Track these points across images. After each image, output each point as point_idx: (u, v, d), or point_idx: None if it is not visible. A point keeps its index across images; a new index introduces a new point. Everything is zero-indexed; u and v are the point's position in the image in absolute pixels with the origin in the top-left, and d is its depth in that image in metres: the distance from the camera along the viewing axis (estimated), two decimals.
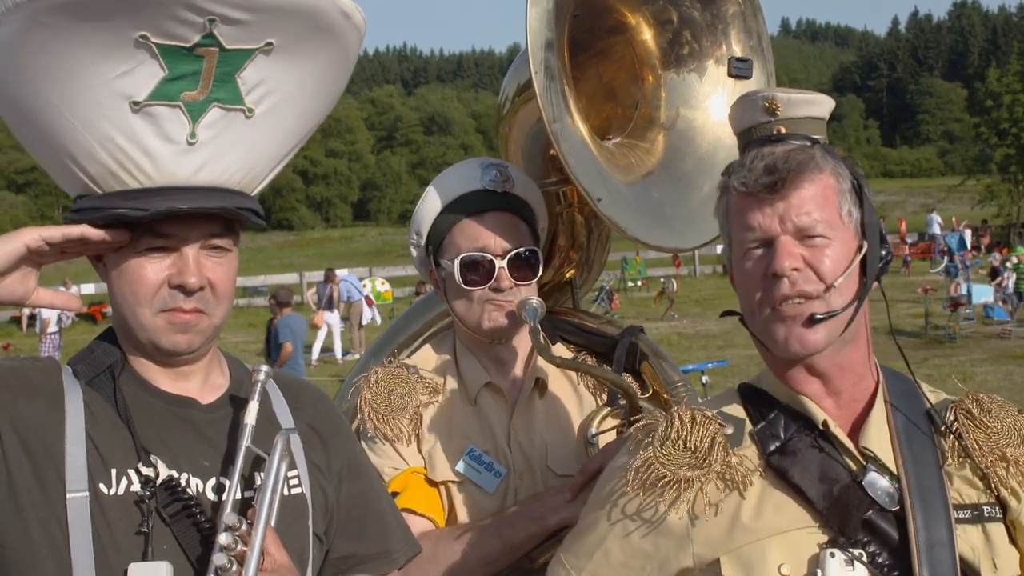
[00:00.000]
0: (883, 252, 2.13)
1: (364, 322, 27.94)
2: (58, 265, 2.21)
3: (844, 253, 2.05)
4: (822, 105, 2.18)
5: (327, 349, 26.13)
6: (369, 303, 29.24)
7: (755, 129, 2.16)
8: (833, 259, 2.03)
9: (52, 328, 25.83)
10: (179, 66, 1.97)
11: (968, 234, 39.32)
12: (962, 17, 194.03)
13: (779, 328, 2.03)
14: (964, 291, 24.70)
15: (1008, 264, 26.74)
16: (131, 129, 2.00)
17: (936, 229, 43.58)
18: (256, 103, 2.09)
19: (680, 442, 2.10)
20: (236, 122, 2.09)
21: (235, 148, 2.11)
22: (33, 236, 2.02)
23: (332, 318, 26.19)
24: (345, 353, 26.30)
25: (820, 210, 2.03)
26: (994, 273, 28.50)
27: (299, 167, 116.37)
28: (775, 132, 2.13)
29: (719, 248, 3.08)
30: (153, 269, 2.09)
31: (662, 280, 33.32)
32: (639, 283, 39.44)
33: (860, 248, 2.08)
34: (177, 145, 2.03)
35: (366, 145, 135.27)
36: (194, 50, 1.97)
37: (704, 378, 13.65)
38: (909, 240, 42.63)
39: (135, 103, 1.98)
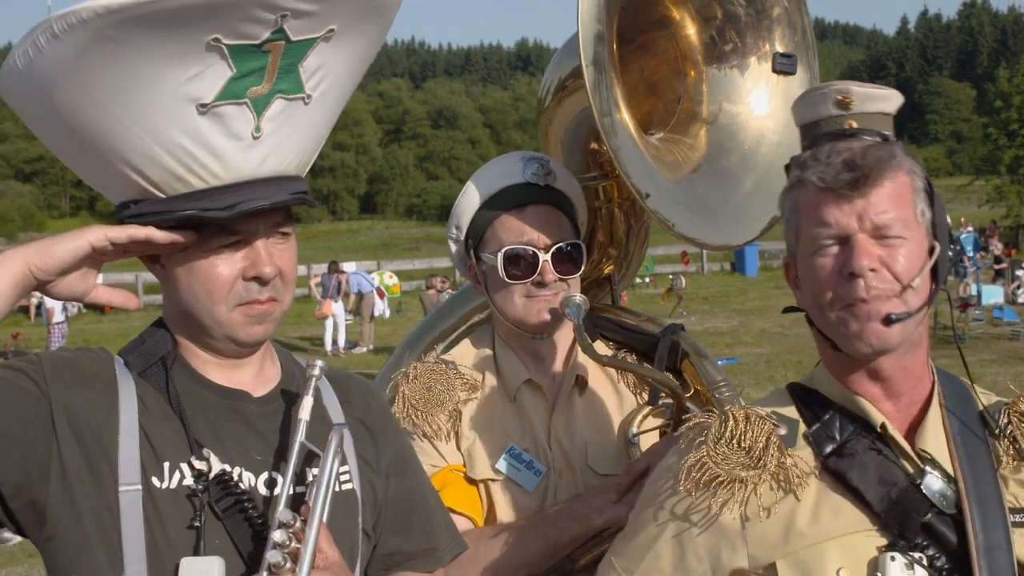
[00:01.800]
0: (951, 253, 2.10)
1: (376, 314, 27.91)
2: None
3: (918, 253, 2.02)
4: (893, 100, 2.14)
5: (335, 342, 26.06)
6: (380, 295, 29.22)
7: (824, 122, 2.11)
8: (908, 259, 1.99)
9: (58, 317, 25.77)
10: (246, 63, 1.94)
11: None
12: (971, 17, 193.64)
13: (852, 323, 1.99)
14: (973, 291, 24.64)
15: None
16: (198, 132, 1.96)
17: None
18: (314, 88, 2.08)
19: (734, 442, 2.07)
20: (297, 110, 2.07)
21: (294, 135, 2.09)
22: (99, 236, 2.00)
23: (337, 309, 26.14)
24: (354, 346, 26.27)
25: (897, 209, 2.00)
26: (997, 260, 28.61)
27: None
28: (846, 126, 2.08)
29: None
30: (225, 265, 2.07)
31: (670, 277, 33.23)
32: (647, 280, 39.35)
33: (932, 249, 2.05)
34: (243, 141, 2.01)
35: (373, 138, 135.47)
36: (262, 46, 1.94)
37: None
38: None
39: (202, 105, 1.94)
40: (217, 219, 2.01)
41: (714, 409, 2.86)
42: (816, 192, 2.02)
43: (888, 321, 1.97)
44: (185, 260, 2.08)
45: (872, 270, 1.97)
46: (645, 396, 2.98)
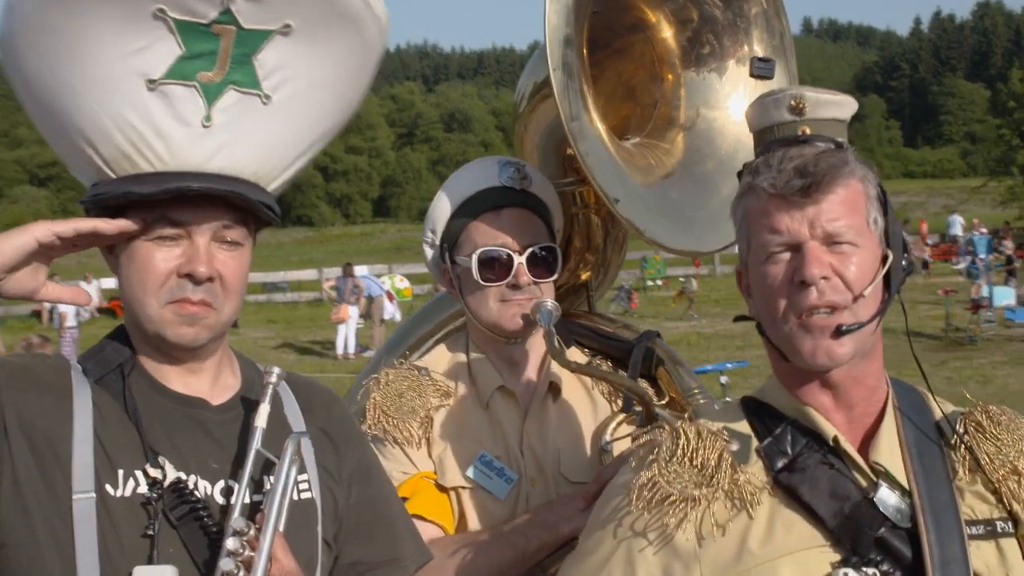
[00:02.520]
0: (904, 263, 2.07)
1: (386, 317, 27.92)
2: (80, 260, 2.21)
3: (870, 262, 1.99)
4: (847, 107, 2.11)
5: (346, 345, 26.09)
6: (391, 298, 29.24)
7: (777, 128, 2.08)
8: (860, 267, 1.96)
9: (70, 322, 25.84)
10: (196, 44, 1.97)
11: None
12: (985, 17, 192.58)
13: (806, 340, 1.96)
14: (985, 293, 24.52)
15: None
16: (146, 109, 1.99)
17: (958, 230, 43.37)
18: (273, 89, 2.08)
19: (686, 459, 2.04)
20: (252, 108, 2.07)
21: (250, 136, 2.09)
22: (44, 230, 1.99)
23: (352, 312, 26.20)
24: (364, 349, 26.29)
25: (849, 216, 1.97)
26: (1009, 261, 28.60)
27: (319, 163, 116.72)
28: (800, 133, 2.05)
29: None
30: (163, 257, 2.05)
31: (682, 280, 33.25)
32: (659, 282, 39.37)
33: (885, 257, 2.02)
34: (192, 128, 2.02)
35: (386, 142, 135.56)
36: (211, 27, 1.96)
37: (723, 378, 13.58)
38: (930, 242, 42.43)
39: (151, 81, 1.97)
40: (143, 195, 2.01)
41: (684, 416, 2.86)
42: (767, 199, 1.99)
43: (839, 332, 1.94)
44: (128, 249, 2.08)
45: (824, 278, 1.94)
46: (620, 403, 2.96)
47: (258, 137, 2.10)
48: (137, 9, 1.91)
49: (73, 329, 25.48)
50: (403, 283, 33.91)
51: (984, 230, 38.79)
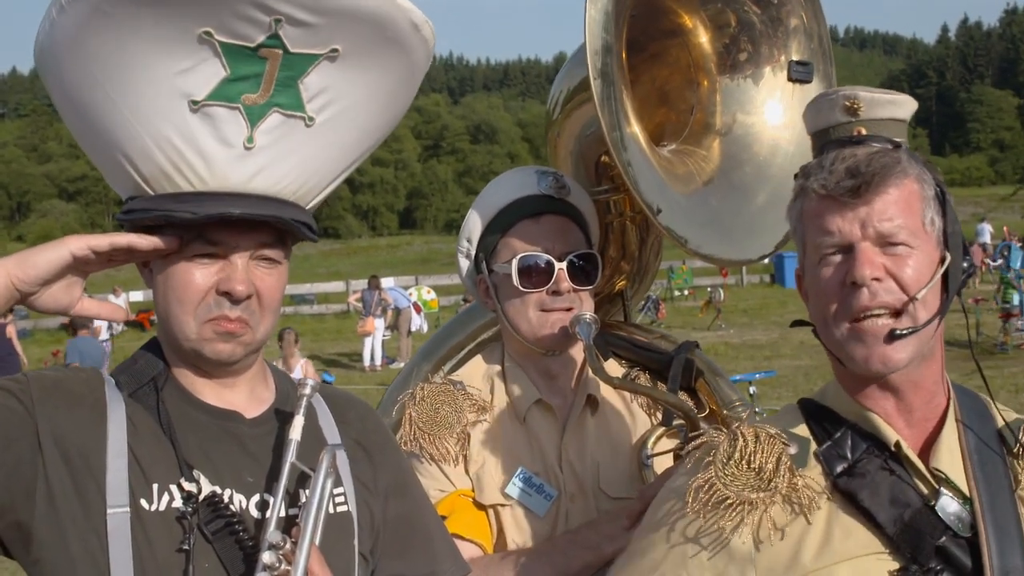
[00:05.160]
0: (964, 264, 2.01)
1: (413, 329, 27.95)
2: (107, 272, 2.19)
3: (926, 263, 1.94)
4: (905, 106, 2.06)
5: (373, 357, 26.13)
6: (417, 310, 29.27)
7: (833, 130, 2.04)
8: (916, 269, 1.92)
9: (103, 336, 26.03)
10: (241, 67, 1.92)
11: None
12: (1013, 24, 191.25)
13: (859, 347, 1.92)
14: (1016, 302, 24.28)
15: None
16: (188, 129, 1.95)
17: (987, 238, 43.00)
18: (317, 111, 2.03)
19: (744, 462, 2.00)
20: (295, 130, 2.03)
21: (292, 156, 2.05)
22: (79, 244, 1.97)
23: (378, 324, 26.26)
24: (392, 360, 26.31)
25: (903, 216, 1.92)
26: None
27: None
28: (855, 133, 2.01)
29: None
30: (201, 274, 2.03)
31: (709, 289, 33.13)
32: (686, 292, 39.24)
33: (943, 259, 1.97)
34: (233, 149, 1.98)
35: (412, 154, 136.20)
36: (258, 51, 1.92)
37: (751, 388, 13.55)
38: None
39: (194, 102, 1.93)
40: (183, 220, 1.98)
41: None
42: (818, 200, 1.96)
43: (892, 337, 1.90)
44: (166, 266, 2.06)
45: (876, 279, 1.90)
46: (659, 416, 2.91)
47: (300, 158, 2.07)
48: (183, 31, 1.87)
49: (105, 342, 25.64)
50: (430, 295, 33.98)
51: (1018, 241, 38.40)
